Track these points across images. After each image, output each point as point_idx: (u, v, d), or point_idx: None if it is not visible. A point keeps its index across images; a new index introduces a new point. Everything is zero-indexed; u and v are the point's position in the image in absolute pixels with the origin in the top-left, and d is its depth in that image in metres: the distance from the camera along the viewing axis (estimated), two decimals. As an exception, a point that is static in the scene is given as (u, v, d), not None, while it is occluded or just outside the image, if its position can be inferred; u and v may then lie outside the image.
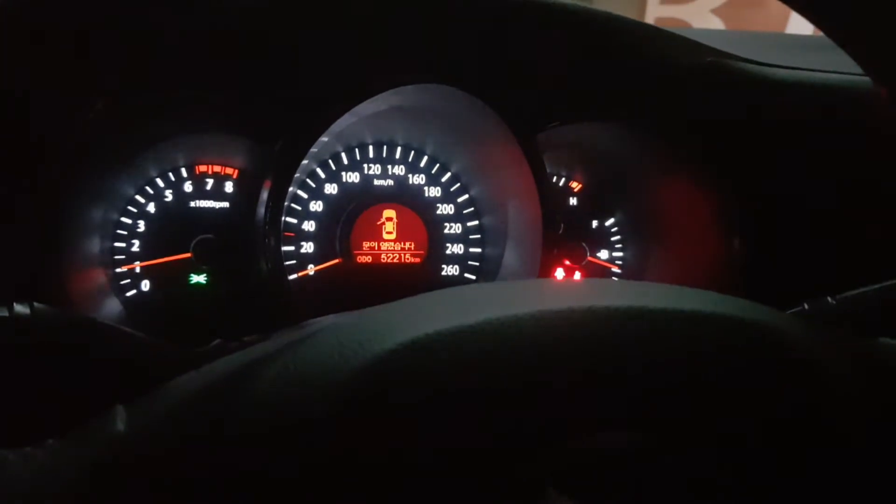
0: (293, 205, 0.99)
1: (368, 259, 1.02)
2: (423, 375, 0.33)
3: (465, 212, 1.05)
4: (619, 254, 1.09)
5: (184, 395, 0.36)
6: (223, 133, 0.89)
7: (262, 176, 0.85)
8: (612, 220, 1.09)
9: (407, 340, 0.33)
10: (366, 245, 1.01)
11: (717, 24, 3.28)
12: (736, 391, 0.35)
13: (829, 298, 0.56)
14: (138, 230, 0.93)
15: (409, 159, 1.04)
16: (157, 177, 0.94)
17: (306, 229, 0.99)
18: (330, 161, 1.01)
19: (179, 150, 0.94)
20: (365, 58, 0.82)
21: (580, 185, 1.08)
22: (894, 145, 0.77)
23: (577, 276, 1.06)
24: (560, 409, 0.33)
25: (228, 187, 0.96)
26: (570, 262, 1.06)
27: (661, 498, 0.34)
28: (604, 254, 1.08)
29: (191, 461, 0.33)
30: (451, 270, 1.05)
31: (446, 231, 1.04)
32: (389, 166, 1.03)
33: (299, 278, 0.98)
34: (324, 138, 0.86)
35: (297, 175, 0.86)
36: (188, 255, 0.93)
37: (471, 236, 1.05)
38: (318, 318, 0.51)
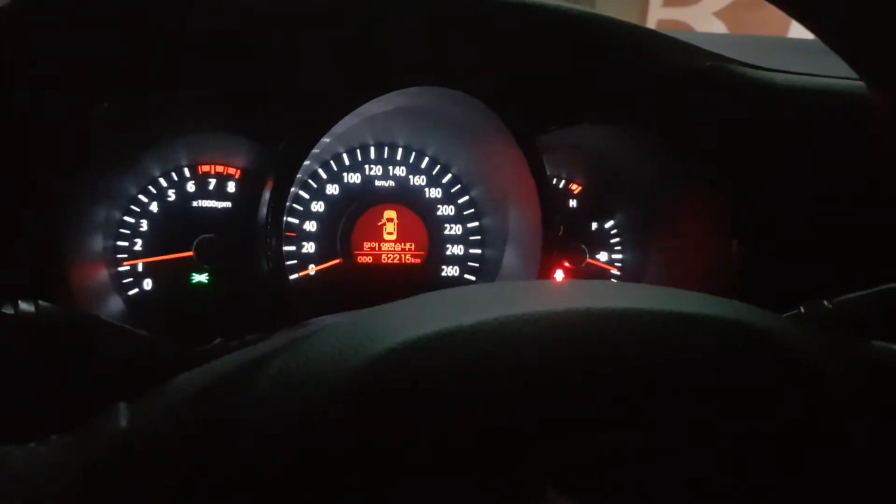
0: (295, 205, 0.99)
1: (369, 259, 1.02)
2: (424, 375, 0.33)
3: (465, 213, 1.05)
4: (619, 256, 1.09)
5: (185, 393, 0.36)
6: (226, 133, 0.89)
7: (264, 176, 0.86)
8: (611, 223, 1.09)
9: (407, 340, 0.34)
10: (366, 245, 1.02)
11: (719, 26, 3.28)
12: (733, 393, 0.36)
13: (826, 302, 0.56)
14: (141, 229, 0.94)
15: (410, 160, 1.04)
16: (160, 176, 0.95)
17: (307, 229, 1.00)
18: (331, 162, 1.01)
19: (182, 150, 0.94)
20: (367, 59, 0.82)
21: (580, 188, 1.08)
22: (890, 151, 0.77)
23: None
24: (560, 409, 0.34)
25: (231, 187, 0.97)
26: (570, 263, 1.06)
27: (661, 499, 0.34)
28: (603, 256, 1.08)
29: (192, 459, 0.34)
30: (451, 271, 1.05)
31: (446, 232, 1.05)
32: (390, 167, 1.03)
33: (300, 278, 0.99)
34: (325, 139, 0.86)
35: (298, 175, 0.87)
36: (190, 253, 0.94)
37: (471, 237, 1.06)
38: (319, 318, 0.51)
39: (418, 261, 1.04)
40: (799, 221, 0.90)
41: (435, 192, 1.05)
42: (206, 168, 0.97)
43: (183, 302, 0.94)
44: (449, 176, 1.05)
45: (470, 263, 1.06)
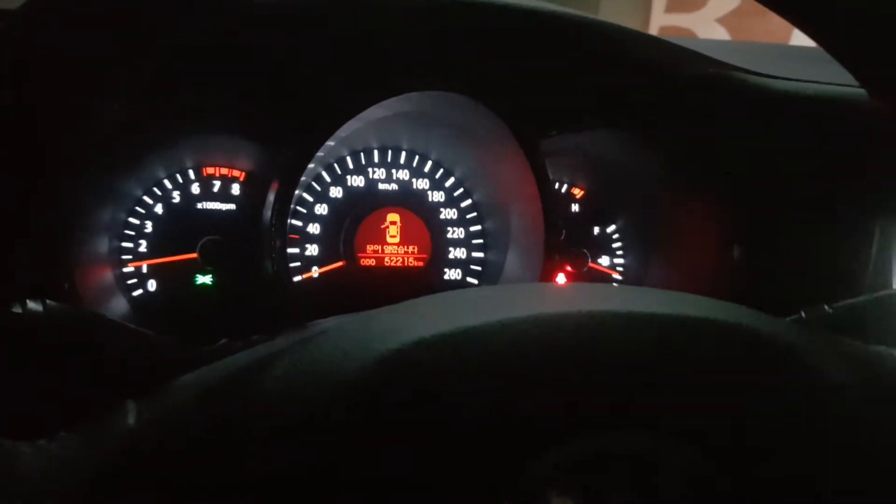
0: (298, 207, 0.99)
1: (372, 262, 1.02)
2: (430, 376, 0.33)
3: (467, 216, 1.06)
4: (620, 260, 1.09)
5: (193, 392, 0.37)
6: (231, 136, 0.90)
7: (268, 178, 0.86)
8: (613, 227, 1.09)
9: (412, 341, 0.34)
10: (369, 248, 1.02)
11: (721, 33, 3.27)
12: (740, 396, 0.36)
13: (827, 307, 0.56)
14: (146, 230, 0.94)
15: (414, 164, 1.04)
16: (164, 178, 0.95)
17: (311, 232, 1.00)
18: (335, 165, 1.02)
19: (187, 153, 0.95)
20: (371, 64, 0.82)
21: (582, 192, 1.09)
22: (891, 157, 0.77)
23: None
24: (567, 411, 0.34)
25: (235, 189, 0.97)
26: (572, 268, 1.06)
27: (662, 501, 0.34)
28: (605, 260, 1.09)
29: (199, 458, 0.34)
30: (453, 275, 1.06)
31: (449, 235, 1.05)
32: (394, 171, 1.04)
33: (303, 280, 0.99)
34: (330, 142, 0.87)
35: (303, 178, 0.87)
36: (194, 255, 0.94)
37: (473, 241, 1.06)
38: (323, 320, 0.51)
39: (421, 264, 1.04)
40: (800, 227, 0.90)
41: (438, 196, 1.05)
42: (210, 170, 0.97)
43: (187, 303, 0.95)
44: (452, 179, 1.05)
45: (472, 267, 1.06)
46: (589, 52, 0.85)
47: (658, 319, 0.36)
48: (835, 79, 0.89)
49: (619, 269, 1.09)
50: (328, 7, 0.78)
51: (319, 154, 0.86)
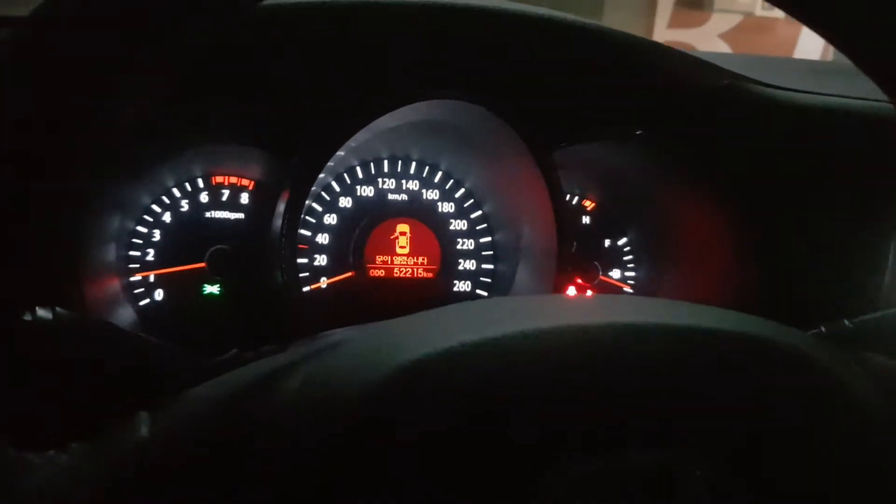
0: (307, 217, 0.99)
1: (381, 273, 1.02)
2: (446, 387, 0.33)
3: (477, 228, 1.05)
4: (632, 273, 1.08)
5: (206, 403, 0.36)
6: (240, 145, 0.89)
7: (278, 188, 0.86)
8: (624, 240, 1.09)
9: (436, 351, 0.33)
10: (379, 259, 1.02)
11: (724, 49, 3.29)
12: (759, 411, 0.35)
13: (846, 321, 0.56)
14: (153, 239, 0.94)
15: (424, 174, 1.04)
16: (173, 187, 0.95)
17: (320, 242, 1.00)
18: (345, 174, 1.01)
19: (196, 161, 0.94)
20: (382, 73, 0.82)
21: (593, 204, 1.08)
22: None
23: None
24: (586, 424, 0.33)
25: (244, 198, 0.97)
26: (583, 280, 1.06)
27: None
28: (616, 273, 1.08)
29: (213, 469, 0.33)
30: (463, 286, 1.05)
31: (459, 247, 1.05)
32: (404, 181, 1.03)
33: (312, 291, 0.99)
34: (340, 152, 0.86)
35: (312, 188, 0.87)
36: (202, 265, 0.94)
37: (483, 253, 1.05)
38: (332, 331, 0.51)
39: (431, 275, 1.03)
40: (816, 240, 0.90)
41: (448, 207, 1.04)
42: (219, 179, 0.97)
43: (194, 313, 0.94)
44: (462, 190, 1.05)
45: (482, 279, 1.05)
46: (603, 61, 0.84)
47: (680, 331, 0.36)
48: (846, 92, 0.89)
49: (631, 282, 1.08)
50: (339, 15, 0.78)
51: (329, 164, 0.86)
